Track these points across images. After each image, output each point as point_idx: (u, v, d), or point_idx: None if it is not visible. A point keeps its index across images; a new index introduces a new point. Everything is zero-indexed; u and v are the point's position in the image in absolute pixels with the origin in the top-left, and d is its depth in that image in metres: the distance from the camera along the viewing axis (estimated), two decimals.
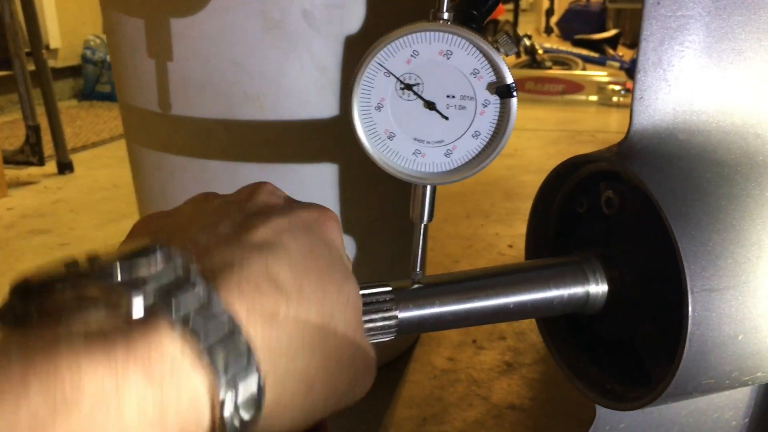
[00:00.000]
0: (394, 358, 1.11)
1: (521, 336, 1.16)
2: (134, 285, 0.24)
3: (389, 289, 0.45)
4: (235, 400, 0.25)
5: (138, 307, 0.24)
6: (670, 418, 0.57)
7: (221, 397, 0.24)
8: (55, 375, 0.21)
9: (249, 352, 0.25)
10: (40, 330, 0.23)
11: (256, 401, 0.26)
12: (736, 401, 0.58)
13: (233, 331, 0.25)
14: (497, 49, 0.40)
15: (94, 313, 0.24)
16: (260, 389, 0.25)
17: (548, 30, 5.95)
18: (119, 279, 0.24)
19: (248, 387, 0.25)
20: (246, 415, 0.25)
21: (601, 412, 0.55)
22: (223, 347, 0.25)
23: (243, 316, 0.26)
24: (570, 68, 3.99)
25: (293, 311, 0.29)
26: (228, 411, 0.24)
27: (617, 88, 3.47)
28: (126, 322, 0.23)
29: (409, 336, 1.14)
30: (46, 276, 0.25)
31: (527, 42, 4.11)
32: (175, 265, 0.26)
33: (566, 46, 4.52)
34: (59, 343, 0.22)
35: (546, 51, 4.22)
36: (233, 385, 0.25)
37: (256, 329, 0.27)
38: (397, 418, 0.96)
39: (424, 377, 1.06)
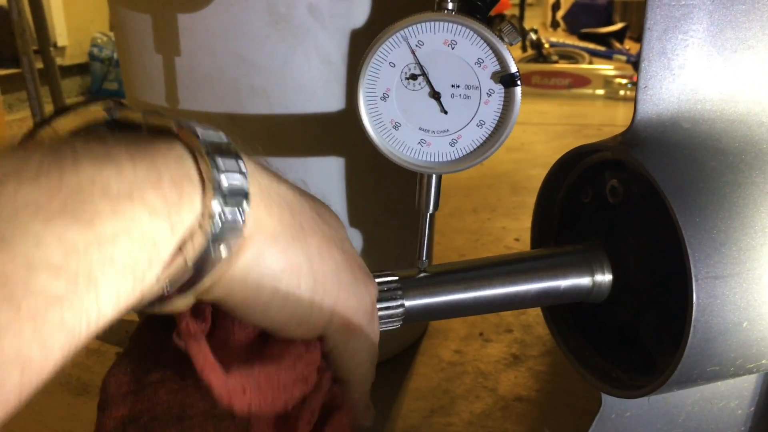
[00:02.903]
0: (401, 351, 1.11)
1: (528, 328, 1.17)
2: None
3: (396, 278, 0.46)
4: (221, 179, 0.27)
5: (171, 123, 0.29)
6: (675, 406, 0.57)
7: (210, 171, 0.27)
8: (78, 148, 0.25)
9: (239, 159, 0.29)
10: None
11: (242, 190, 0.28)
12: (742, 390, 0.58)
13: (233, 150, 0.29)
14: (501, 39, 0.40)
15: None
16: (243, 173, 0.28)
17: (555, 24, 5.92)
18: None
19: (232, 172, 0.28)
20: (231, 196, 0.27)
21: (607, 400, 0.56)
22: (219, 152, 0.28)
23: (252, 170, 0.30)
24: (576, 62, 3.97)
25: (296, 205, 0.33)
26: (214, 176, 0.27)
27: (624, 81, 3.46)
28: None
29: (416, 329, 1.15)
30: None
31: (533, 36, 4.10)
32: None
33: (573, 40, 4.50)
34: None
35: (552, 45, 4.21)
36: (218, 165, 0.27)
37: (256, 177, 0.30)
38: (405, 410, 0.96)
39: (431, 370, 1.06)
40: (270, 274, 0.30)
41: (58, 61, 2.72)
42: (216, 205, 0.27)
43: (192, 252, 0.26)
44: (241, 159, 0.29)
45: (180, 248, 0.26)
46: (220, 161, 0.27)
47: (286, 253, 0.30)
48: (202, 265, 0.27)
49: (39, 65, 2.32)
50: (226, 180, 0.27)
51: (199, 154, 0.27)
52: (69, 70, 3.69)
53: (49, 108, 2.37)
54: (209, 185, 0.27)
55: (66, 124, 0.29)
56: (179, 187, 0.26)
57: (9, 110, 3.28)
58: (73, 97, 3.74)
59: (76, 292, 0.22)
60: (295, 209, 0.32)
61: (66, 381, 0.92)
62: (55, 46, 3.37)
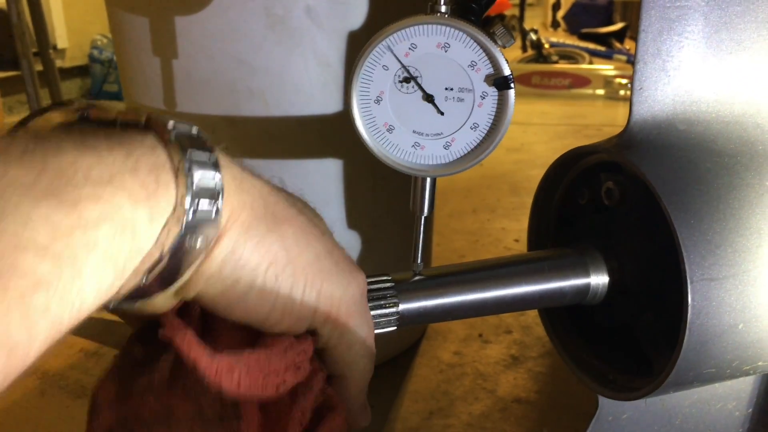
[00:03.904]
0: (400, 353, 1.11)
1: (527, 330, 1.16)
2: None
3: (390, 281, 0.46)
4: (191, 165, 0.27)
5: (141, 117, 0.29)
6: (673, 408, 0.57)
7: (182, 162, 0.27)
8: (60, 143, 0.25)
9: (212, 152, 0.29)
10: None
11: (214, 181, 0.28)
12: (739, 391, 0.58)
13: (208, 146, 0.29)
14: (494, 42, 0.40)
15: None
16: (216, 165, 0.28)
17: (555, 24, 5.92)
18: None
19: (202, 158, 0.28)
20: (203, 198, 0.27)
21: (604, 402, 0.55)
22: (191, 144, 0.28)
23: (224, 163, 0.30)
24: (577, 62, 3.97)
25: (269, 197, 0.33)
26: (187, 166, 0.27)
27: (624, 81, 3.46)
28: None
29: (415, 331, 1.15)
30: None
31: (533, 36, 4.10)
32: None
33: (573, 40, 4.50)
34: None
35: (552, 45, 4.21)
36: (189, 156, 0.27)
37: (229, 169, 0.30)
38: (404, 411, 0.96)
39: (430, 371, 1.06)
40: (246, 265, 0.30)
41: (58, 63, 2.72)
42: (190, 195, 0.27)
43: (168, 242, 0.26)
44: (214, 152, 0.29)
45: (157, 240, 0.26)
46: (192, 152, 0.27)
47: (262, 244, 0.30)
48: (178, 257, 0.27)
49: (39, 67, 2.33)
50: (199, 170, 0.27)
51: (171, 144, 0.27)
52: (69, 72, 3.70)
53: None
54: (182, 174, 0.27)
55: (43, 123, 0.29)
56: (155, 174, 0.26)
57: (9, 112, 3.29)
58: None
59: (61, 276, 0.22)
60: (269, 201, 0.32)
61: (64, 384, 0.92)
62: (54, 48, 3.38)
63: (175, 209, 0.26)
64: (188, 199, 0.27)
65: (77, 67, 3.80)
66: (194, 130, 0.29)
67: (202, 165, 0.27)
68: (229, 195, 0.29)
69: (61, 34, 3.59)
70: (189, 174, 0.27)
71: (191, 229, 0.27)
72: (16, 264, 0.20)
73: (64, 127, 0.28)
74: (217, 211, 0.28)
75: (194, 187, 0.27)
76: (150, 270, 0.26)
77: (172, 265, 0.27)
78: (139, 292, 0.27)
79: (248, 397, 0.30)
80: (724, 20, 0.48)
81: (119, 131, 0.27)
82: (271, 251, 0.31)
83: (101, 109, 0.29)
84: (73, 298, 0.22)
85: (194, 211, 0.27)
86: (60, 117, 0.29)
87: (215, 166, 0.28)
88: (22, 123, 0.29)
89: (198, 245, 0.27)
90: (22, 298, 0.21)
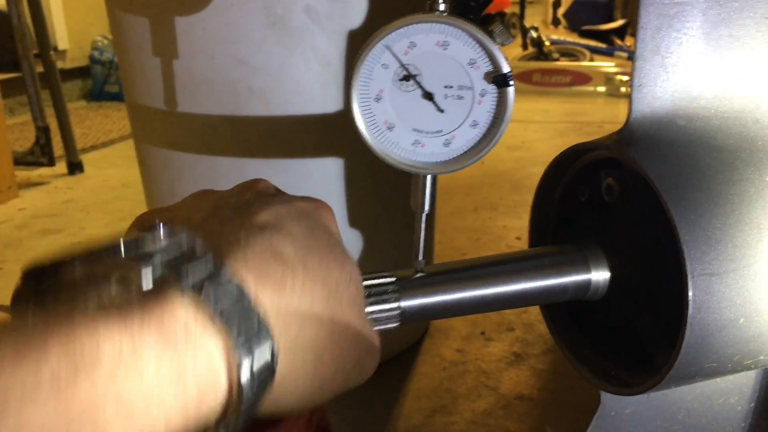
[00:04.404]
0: (403, 351, 1.11)
1: (529, 327, 1.17)
2: (141, 258, 0.25)
3: (392, 279, 0.46)
4: (252, 364, 0.25)
5: (147, 278, 0.25)
6: (675, 403, 0.57)
7: (237, 360, 0.25)
8: (74, 338, 0.21)
9: (260, 317, 0.26)
10: (56, 305, 0.24)
11: (270, 366, 0.26)
12: (741, 386, 0.58)
13: (243, 296, 0.26)
14: (493, 39, 0.40)
15: (106, 288, 0.24)
16: (273, 354, 0.26)
17: (555, 22, 5.92)
18: (125, 255, 0.25)
19: (262, 351, 0.26)
20: (261, 380, 0.26)
21: (606, 398, 0.56)
22: (235, 312, 0.25)
23: (252, 284, 0.27)
24: (577, 59, 3.97)
25: (299, 283, 0.29)
26: (245, 375, 0.25)
27: (625, 78, 3.46)
28: (138, 294, 0.24)
29: (418, 328, 1.15)
30: (56, 258, 0.25)
31: (534, 34, 4.10)
32: (180, 241, 0.26)
33: (573, 38, 4.50)
34: (76, 313, 0.22)
35: (553, 43, 4.20)
36: (248, 349, 0.25)
37: (265, 296, 0.27)
38: (407, 409, 0.96)
39: (433, 369, 1.06)
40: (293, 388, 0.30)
41: (59, 64, 2.73)
42: (248, 386, 0.25)
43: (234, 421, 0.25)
44: (263, 318, 0.26)
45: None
46: (252, 345, 0.25)
47: (303, 378, 0.30)
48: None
49: (39, 69, 2.33)
50: (258, 360, 0.26)
51: (232, 353, 0.25)
52: (70, 74, 3.70)
53: (50, 112, 2.38)
54: (236, 385, 0.25)
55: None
56: (204, 392, 0.24)
57: (10, 114, 3.29)
58: (74, 100, 3.75)
59: None
60: (312, 314, 0.30)
61: None
62: (55, 49, 3.38)
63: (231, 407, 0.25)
64: (244, 397, 0.25)
65: (78, 69, 3.81)
66: (246, 300, 0.26)
67: (259, 349, 0.26)
68: (279, 338, 0.27)
69: (61, 36, 3.59)
70: (251, 381, 0.25)
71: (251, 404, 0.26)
72: None
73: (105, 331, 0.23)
74: (272, 373, 0.27)
75: (251, 383, 0.25)
76: None
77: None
78: None
79: None
80: (722, 16, 0.48)
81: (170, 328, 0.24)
82: (315, 352, 0.30)
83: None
84: None
85: (249, 402, 0.26)
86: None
87: (272, 357, 0.26)
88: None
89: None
90: None
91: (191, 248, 0.26)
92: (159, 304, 0.24)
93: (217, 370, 0.25)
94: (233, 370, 0.25)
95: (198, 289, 0.25)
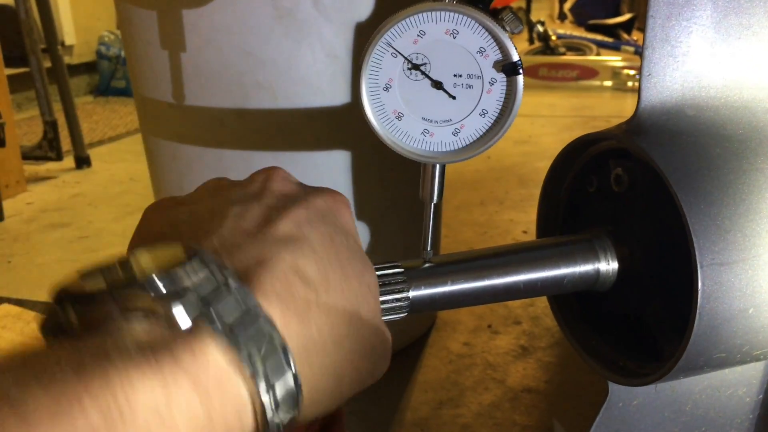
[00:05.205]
0: (410, 344, 1.11)
1: (536, 320, 1.17)
2: (177, 296, 0.25)
3: (401, 269, 0.46)
4: (275, 401, 0.25)
5: (183, 319, 0.25)
6: (683, 394, 0.57)
7: (262, 399, 0.25)
8: (109, 390, 0.21)
9: (285, 353, 0.26)
10: (88, 342, 0.23)
11: (294, 399, 0.26)
12: (750, 378, 0.58)
13: (272, 335, 0.26)
14: (503, 28, 0.40)
15: (138, 325, 0.24)
16: (298, 387, 0.27)
17: (562, 16, 5.89)
18: (163, 291, 0.25)
19: (287, 386, 0.26)
20: (286, 415, 0.26)
21: (614, 388, 0.56)
22: (263, 352, 0.26)
23: (278, 318, 0.27)
24: (584, 54, 3.96)
25: (322, 303, 0.30)
26: (270, 413, 0.25)
27: (632, 72, 3.44)
28: (171, 334, 0.24)
29: (425, 322, 1.15)
30: (86, 287, 0.25)
31: (540, 28, 4.08)
32: (213, 271, 0.26)
33: (580, 32, 4.48)
34: (109, 358, 0.22)
35: (559, 37, 4.19)
36: (271, 386, 0.25)
37: (290, 329, 0.28)
38: (414, 402, 0.96)
39: (440, 362, 1.06)
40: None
41: (66, 59, 2.74)
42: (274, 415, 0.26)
43: None
44: (289, 354, 0.27)
45: None
46: (270, 374, 0.26)
47: (324, 400, 0.30)
48: None
49: (47, 64, 2.34)
50: (279, 395, 0.26)
51: (247, 376, 0.25)
52: (77, 69, 3.71)
53: (57, 107, 2.39)
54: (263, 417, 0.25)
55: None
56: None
57: (18, 109, 3.30)
58: (81, 96, 3.76)
59: None
60: (333, 337, 0.31)
61: None
62: (62, 44, 3.39)
63: None
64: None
65: (85, 64, 3.82)
66: (275, 339, 0.26)
67: (286, 389, 0.26)
68: (302, 370, 0.27)
69: (68, 31, 3.61)
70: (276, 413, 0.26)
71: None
72: None
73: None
74: (296, 405, 0.27)
75: (280, 412, 0.26)
76: None
77: None
78: None
79: None
80: (732, 5, 0.48)
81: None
82: (335, 375, 0.31)
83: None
84: None
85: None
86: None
87: (285, 357, 0.27)
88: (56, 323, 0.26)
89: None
90: None
91: (224, 280, 0.26)
92: (192, 348, 0.24)
93: (246, 413, 0.25)
94: (259, 411, 0.25)
95: (230, 332, 0.25)
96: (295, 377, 0.26)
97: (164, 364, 0.23)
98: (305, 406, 0.28)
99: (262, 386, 0.25)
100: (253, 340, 0.25)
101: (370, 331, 0.33)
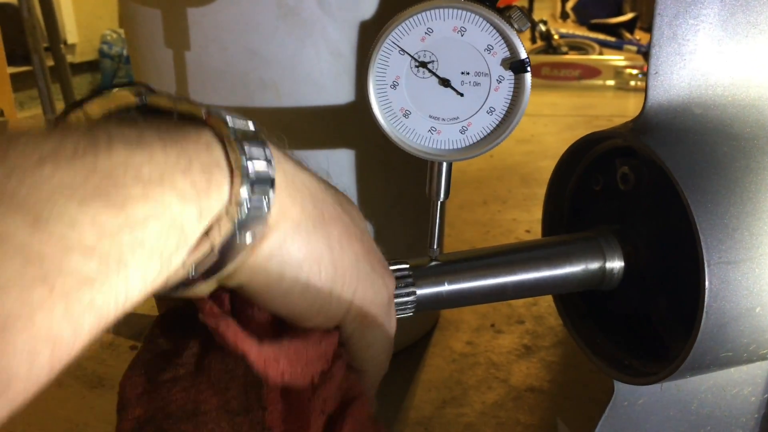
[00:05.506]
0: (413, 343, 1.11)
1: (540, 320, 1.16)
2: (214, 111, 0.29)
3: (407, 266, 0.46)
4: (252, 167, 0.27)
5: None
6: (688, 393, 0.57)
7: (238, 161, 0.27)
8: (100, 127, 0.25)
9: (266, 147, 0.29)
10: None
11: (268, 176, 0.28)
12: (755, 377, 0.58)
13: (263, 141, 0.29)
14: (511, 25, 0.40)
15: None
16: (270, 163, 0.28)
17: (564, 15, 5.89)
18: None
19: (260, 160, 0.28)
20: (260, 187, 0.28)
21: (620, 387, 0.55)
22: (247, 139, 0.28)
23: (277, 158, 0.30)
24: (586, 53, 3.95)
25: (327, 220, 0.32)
26: (245, 183, 0.27)
27: (635, 72, 3.44)
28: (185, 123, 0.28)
29: (428, 321, 1.15)
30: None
31: (543, 27, 4.08)
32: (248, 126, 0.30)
33: (582, 31, 4.47)
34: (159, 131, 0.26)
35: (562, 36, 4.18)
36: (247, 152, 0.28)
37: (282, 165, 0.30)
38: (417, 400, 0.96)
39: (443, 361, 1.06)
40: (292, 261, 0.30)
41: (69, 58, 2.73)
42: (243, 192, 0.27)
43: (218, 238, 0.27)
44: (268, 147, 0.29)
45: (206, 234, 0.26)
46: (248, 149, 0.28)
47: (309, 242, 0.31)
48: (226, 251, 0.27)
49: (50, 63, 2.34)
50: (253, 167, 0.27)
51: (227, 141, 0.28)
52: (79, 68, 3.71)
53: (60, 106, 2.38)
54: (237, 173, 0.27)
55: (98, 107, 0.30)
56: (208, 173, 0.26)
57: (20, 108, 3.30)
58: (84, 95, 3.76)
59: (107, 273, 0.22)
60: (317, 198, 0.32)
61: (81, 374, 0.93)
62: (65, 43, 3.39)
63: (227, 208, 0.27)
64: (242, 197, 0.27)
65: (87, 62, 3.81)
66: (251, 125, 0.29)
67: (257, 162, 0.28)
68: (280, 191, 0.29)
69: (71, 30, 3.60)
70: (244, 172, 0.27)
71: (242, 225, 0.27)
72: (62, 264, 0.21)
73: (118, 120, 0.28)
74: (269, 208, 0.28)
75: (248, 185, 0.27)
76: (198, 263, 0.27)
77: (219, 258, 0.27)
78: (184, 282, 0.28)
79: (288, 387, 0.31)
80: (740, 3, 0.48)
81: (175, 125, 0.28)
82: (316, 250, 0.31)
83: (157, 96, 0.30)
84: (118, 294, 0.23)
85: (247, 209, 0.27)
86: (113, 103, 0.29)
87: (269, 162, 0.28)
88: (74, 106, 0.29)
89: (247, 241, 0.28)
90: (68, 295, 0.21)
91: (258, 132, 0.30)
92: (192, 125, 0.27)
93: (220, 163, 0.27)
94: (236, 170, 0.27)
95: (235, 132, 0.28)
96: (269, 160, 0.28)
97: (161, 124, 0.27)
98: (280, 238, 0.29)
99: (236, 146, 0.27)
100: (246, 138, 0.28)
101: (358, 237, 0.35)
